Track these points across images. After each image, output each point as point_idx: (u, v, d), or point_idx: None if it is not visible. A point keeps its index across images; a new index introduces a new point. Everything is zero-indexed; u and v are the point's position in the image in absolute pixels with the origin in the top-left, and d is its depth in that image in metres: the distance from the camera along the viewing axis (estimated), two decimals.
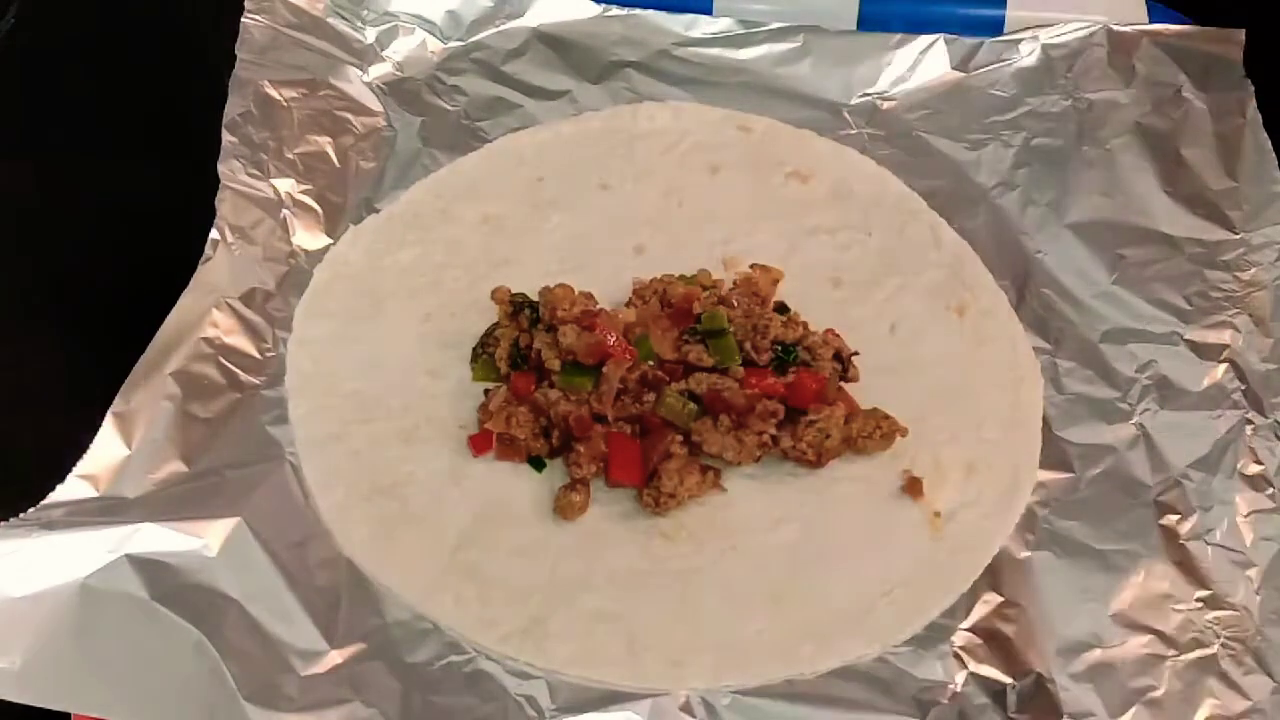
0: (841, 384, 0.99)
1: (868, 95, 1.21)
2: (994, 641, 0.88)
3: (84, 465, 0.92)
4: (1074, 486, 0.96)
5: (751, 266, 1.05)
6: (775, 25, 1.23)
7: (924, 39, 1.22)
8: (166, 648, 0.83)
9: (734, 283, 1.04)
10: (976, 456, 0.97)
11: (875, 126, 1.20)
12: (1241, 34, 1.20)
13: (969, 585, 0.90)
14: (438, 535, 0.92)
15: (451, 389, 1.00)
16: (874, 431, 0.96)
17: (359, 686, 0.84)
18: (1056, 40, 1.22)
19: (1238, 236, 1.09)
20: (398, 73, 1.22)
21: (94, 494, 0.91)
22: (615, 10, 1.25)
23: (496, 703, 0.84)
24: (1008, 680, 0.86)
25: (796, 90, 1.22)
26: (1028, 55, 1.22)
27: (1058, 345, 1.04)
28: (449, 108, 1.20)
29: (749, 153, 1.17)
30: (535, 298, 1.01)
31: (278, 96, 1.16)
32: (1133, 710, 0.84)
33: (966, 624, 0.89)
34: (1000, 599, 0.90)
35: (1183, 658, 0.87)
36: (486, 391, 0.99)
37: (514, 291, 1.02)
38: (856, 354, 1.01)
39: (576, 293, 1.00)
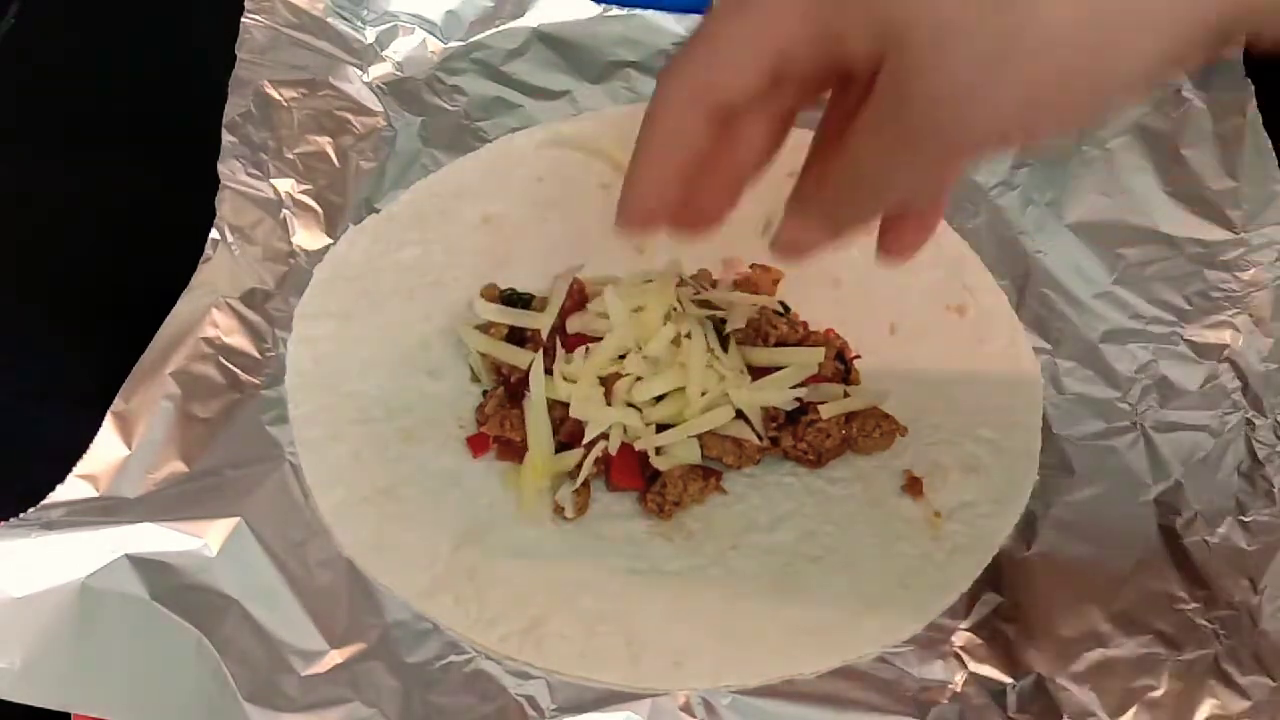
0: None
1: None
2: (994, 641, 0.88)
3: (84, 465, 0.92)
4: (1074, 486, 0.96)
5: (751, 266, 1.05)
6: None
7: None
8: (166, 648, 0.83)
9: (734, 283, 1.04)
10: (976, 456, 0.97)
11: None
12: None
13: (969, 585, 0.90)
14: (438, 535, 0.92)
15: (451, 389, 1.00)
16: (874, 431, 0.96)
17: (359, 686, 0.84)
18: None
19: (1238, 236, 1.09)
20: (398, 73, 1.22)
21: (94, 494, 0.90)
22: (615, 10, 1.24)
23: (496, 703, 0.84)
24: (1008, 680, 0.86)
25: None
26: None
27: (1058, 345, 1.04)
28: (449, 108, 1.20)
29: None
30: (534, 295, 1.02)
31: (278, 96, 1.16)
32: (1133, 710, 0.84)
33: (966, 624, 0.89)
34: (1000, 599, 0.90)
35: (1183, 658, 0.87)
36: (485, 393, 0.99)
37: (514, 290, 1.02)
38: (858, 357, 1.01)
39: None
